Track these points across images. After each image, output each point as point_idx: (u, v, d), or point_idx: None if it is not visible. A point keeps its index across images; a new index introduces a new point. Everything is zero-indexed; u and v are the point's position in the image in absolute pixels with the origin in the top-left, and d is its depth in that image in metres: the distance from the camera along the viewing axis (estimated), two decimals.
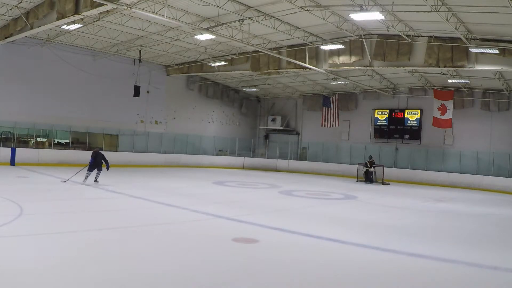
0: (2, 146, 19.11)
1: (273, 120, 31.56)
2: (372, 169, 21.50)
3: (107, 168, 13.83)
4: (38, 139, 21.23)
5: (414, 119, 25.82)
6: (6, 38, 17.96)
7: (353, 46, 17.97)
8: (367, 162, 21.77)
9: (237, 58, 21.92)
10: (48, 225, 7.42)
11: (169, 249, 6.39)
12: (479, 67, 16.23)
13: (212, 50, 21.17)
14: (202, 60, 23.16)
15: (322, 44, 17.88)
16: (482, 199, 17.05)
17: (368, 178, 21.44)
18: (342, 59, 18.52)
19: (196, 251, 6.34)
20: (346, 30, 16.29)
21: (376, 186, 20.55)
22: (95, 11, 13.34)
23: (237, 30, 17.04)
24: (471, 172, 22.48)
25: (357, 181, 22.18)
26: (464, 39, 14.72)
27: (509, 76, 19.46)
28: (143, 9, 13.71)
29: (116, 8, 13.13)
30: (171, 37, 19.27)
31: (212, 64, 22.95)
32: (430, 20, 14.09)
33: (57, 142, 22.23)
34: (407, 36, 16.19)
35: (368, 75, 22.33)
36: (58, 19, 14.48)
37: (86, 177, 13.49)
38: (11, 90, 19.88)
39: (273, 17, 15.53)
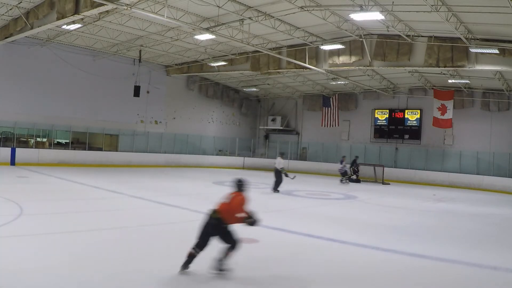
0: (2, 146, 19.10)
1: (273, 120, 31.53)
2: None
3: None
4: (38, 139, 21.21)
5: (414, 119, 25.80)
6: (6, 38, 17.95)
7: (353, 46, 17.96)
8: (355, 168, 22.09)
9: (237, 58, 21.91)
10: (48, 225, 7.43)
11: (169, 249, 6.39)
12: (479, 67, 16.22)
13: (212, 50, 21.17)
14: (202, 60, 23.16)
15: (322, 44, 17.87)
16: (482, 199, 17.04)
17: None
18: (342, 59, 18.51)
19: None
20: (346, 30, 16.29)
21: (375, 186, 20.58)
22: (95, 11, 13.33)
23: (237, 30, 17.03)
24: (471, 172, 22.46)
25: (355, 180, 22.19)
26: (464, 39, 14.71)
27: (509, 76, 19.44)
28: (143, 9, 13.71)
29: (116, 8, 13.13)
30: (171, 37, 19.26)
31: (212, 64, 22.93)
32: (430, 20, 14.08)
33: (57, 142, 22.22)
34: (407, 36, 16.18)
35: (368, 75, 22.32)
36: (58, 19, 14.46)
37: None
38: (11, 90, 19.88)
39: (273, 17, 15.53)
